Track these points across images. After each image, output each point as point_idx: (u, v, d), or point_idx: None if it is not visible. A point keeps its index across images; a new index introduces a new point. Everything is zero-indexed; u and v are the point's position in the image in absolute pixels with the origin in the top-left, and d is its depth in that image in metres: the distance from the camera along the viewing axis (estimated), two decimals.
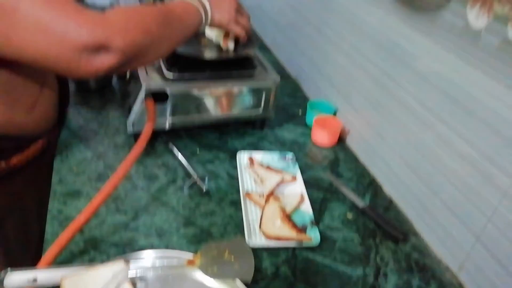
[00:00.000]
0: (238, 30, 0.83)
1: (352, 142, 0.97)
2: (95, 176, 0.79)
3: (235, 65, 0.90)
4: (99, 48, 0.54)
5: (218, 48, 0.91)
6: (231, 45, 0.90)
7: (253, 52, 0.95)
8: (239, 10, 0.83)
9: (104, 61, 0.55)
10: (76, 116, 0.95)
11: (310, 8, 1.12)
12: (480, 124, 0.62)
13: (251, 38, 0.96)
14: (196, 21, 0.74)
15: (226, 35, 0.88)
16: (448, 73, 0.67)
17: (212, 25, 0.79)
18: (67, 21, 0.52)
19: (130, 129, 0.84)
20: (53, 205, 0.72)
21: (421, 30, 0.72)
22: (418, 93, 0.74)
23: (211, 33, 0.91)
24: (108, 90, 1.05)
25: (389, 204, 0.83)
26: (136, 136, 0.85)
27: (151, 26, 0.62)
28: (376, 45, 0.85)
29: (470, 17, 0.61)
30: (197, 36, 0.93)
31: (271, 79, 0.91)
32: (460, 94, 0.65)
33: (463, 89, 0.65)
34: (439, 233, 0.72)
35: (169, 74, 0.84)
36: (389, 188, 0.85)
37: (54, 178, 0.78)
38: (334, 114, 1.03)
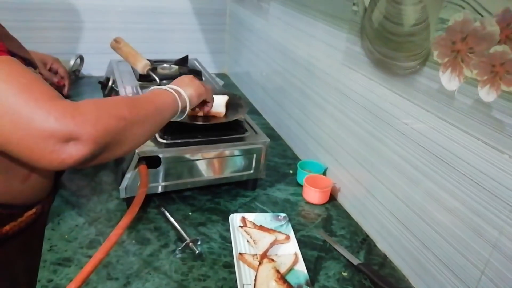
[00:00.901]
0: (212, 95, 0.87)
1: (343, 200, 0.99)
2: (86, 243, 0.79)
3: (226, 129, 0.94)
4: (68, 138, 0.52)
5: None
6: (222, 108, 0.94)
7: (243, 116, 0.99)
8: (198, 81, 0.84)
9: (72, 153, 0.52)
10: (69, 183, 0.96)
11: (296, 74, 1.19)
12: (463, 178, 0.64)
13: (241, 103, 1.01)
14: (170, 101, 0.73)
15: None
16: (429, 131, 0.71)
17: (195, 101, 0.80)
18: (36, 107, 0.51)
19: (123, 194, 0.85)
20: (43, 275, 0.70)
21: (400, 92, 0.77)
22: (403, 151, 0.77)
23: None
24: None
25: (384, 261, 0.82)
26: (128, 201, 0.86)
27: (123, 110, 0.61)
28: (359, 107, 0.89)
29: (443, 80, 0.66)
30: None
31: (261, 141, 0.94)
32: (442, 151, 0.68)
33: (444, 146, 0.68)
34: None
35: (161, 140, 0.87)
36: (383, 244, 0.85)
37: (45, 246, 0.77)
38: (324, 173, 1.05)
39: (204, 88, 0.83)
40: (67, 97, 1.35)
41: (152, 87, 0.76)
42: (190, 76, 0.84)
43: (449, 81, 0.65)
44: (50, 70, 1.33)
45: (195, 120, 0.91)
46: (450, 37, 0.64)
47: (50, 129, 0.50)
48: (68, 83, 1.38)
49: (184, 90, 0.77)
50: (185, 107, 0.78)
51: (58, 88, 1.36)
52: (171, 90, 0.75)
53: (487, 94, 0.59)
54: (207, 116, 0.93)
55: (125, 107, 0.62)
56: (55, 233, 0.80)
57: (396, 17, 0.75)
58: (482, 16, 0.59)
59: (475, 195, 0.63)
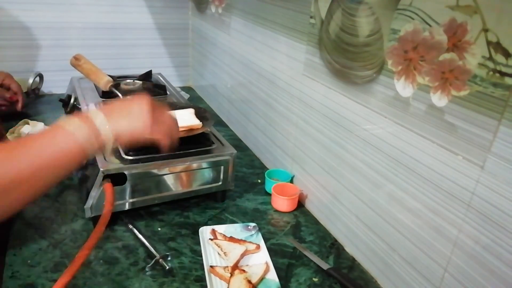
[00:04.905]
0: (159, 137, 0.66)
1: (311, 206, 1.01)
2: (51, 267, 0.76)
3: (192, 142, 0.94)
4: None
5: None
6: (196, 120, 0.94)
7: (209, 129, 1.00)
8: (156, 112, 0.64)
9: None
10: (31, 205, 0.92)
11: (259, 85, 1.21)
12: (422, 180, 0.67)
13: (207, 116, 1.01)
14: (69, 150, 0.54)
15: None
16: (388, 136, 0.74)
17: (112, 142, 0.59)
18: None
19: (88, 213, 0.83)
20: None
21: (359, 100, 0.80)
22: (365, 157, 0.80)
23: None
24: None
25: (353, 264, 0.84)
26: (95, 220, 0.84)
27: None
28: (321, 115, 0.92)
29: (398, 87, 0.70)
30: None
31: (228, 152, 0.95)
32: (401, 154, 0.71)
33: (402, 150, 0.71)
34: None
35: (126, 156, 0.86)
36: (351, 248, 0.87)
37: (6, 273, 0.74)
38: (291, 180, 1.07)
39: (151, 120, 0.62)
40: (22, 113, 1.34)
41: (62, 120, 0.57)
42: (143, 98, 0.63)
43: (403, 88, 0.69)
44: (2, 86, 1.32)
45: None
46: (402, 46, 0.68)
47: None
48: (22, 99, 1.35)
49: (114, 124, 0.59)
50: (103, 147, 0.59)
51: (11, 103, 1.34)
52: (81, 132, 0.55)
53: (439, 99, 0.63)
54: (186, 130, 0.92)
55: None
56: (17, 259, 0.77)
57: (352, 28, 0.78)
58: (430, 26, 0.62)
59: (434, 196, 0.65)
